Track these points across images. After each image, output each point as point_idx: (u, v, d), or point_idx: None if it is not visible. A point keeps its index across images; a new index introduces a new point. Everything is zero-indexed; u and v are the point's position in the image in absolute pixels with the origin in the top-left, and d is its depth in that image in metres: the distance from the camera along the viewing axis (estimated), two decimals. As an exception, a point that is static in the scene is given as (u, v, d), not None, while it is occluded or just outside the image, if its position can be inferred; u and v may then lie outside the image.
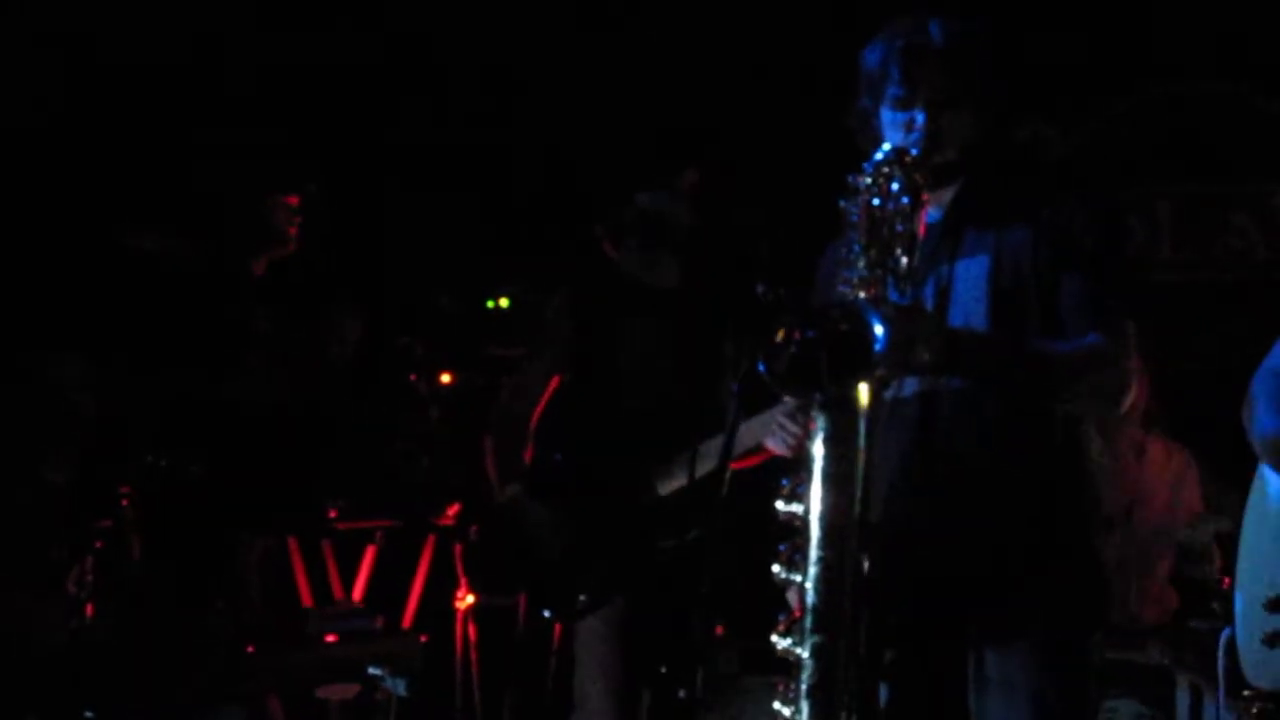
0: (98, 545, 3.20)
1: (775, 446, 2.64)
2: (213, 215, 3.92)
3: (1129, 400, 2.18)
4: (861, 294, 2.02)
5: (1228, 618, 2.76)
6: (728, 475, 2.09)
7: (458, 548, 4.23)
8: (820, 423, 1.95)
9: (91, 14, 4.29)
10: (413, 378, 4.37)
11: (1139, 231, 4.67)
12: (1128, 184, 4.71)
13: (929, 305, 2.16)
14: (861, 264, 2.03)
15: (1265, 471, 2.68)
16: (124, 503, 3.23)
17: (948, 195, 2.21)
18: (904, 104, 2.17)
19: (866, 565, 1.98)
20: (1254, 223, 4.73)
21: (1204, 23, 4.54)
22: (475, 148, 4.70)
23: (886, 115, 2.19)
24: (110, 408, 3.53)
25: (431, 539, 4.33)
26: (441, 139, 4.73)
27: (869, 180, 2.04)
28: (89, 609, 3.16)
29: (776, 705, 2.01)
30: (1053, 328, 2.15)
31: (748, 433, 2.83)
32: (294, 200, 3.93)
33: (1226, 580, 3.04)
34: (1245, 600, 2.65)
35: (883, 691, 2.15)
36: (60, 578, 3.18)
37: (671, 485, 3.24)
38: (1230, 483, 3.45)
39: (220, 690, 3.50)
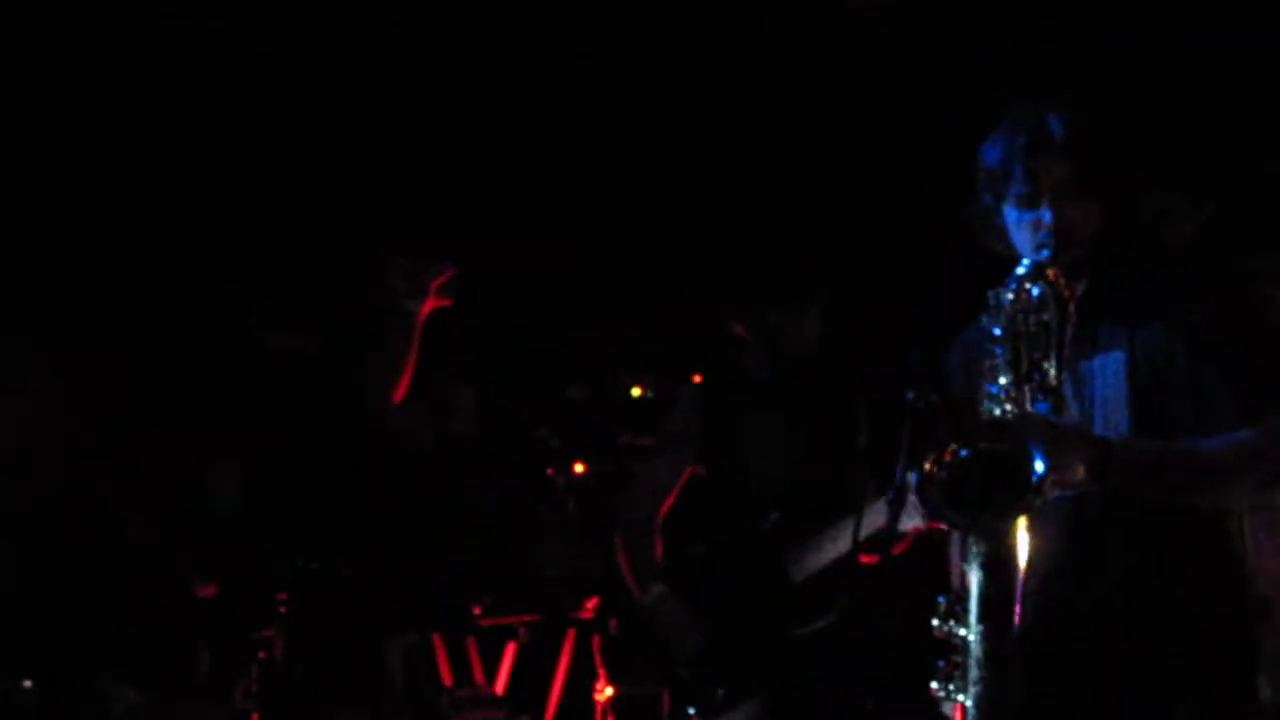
0: (261, 655, 3.25)
1: (913, 521, 2.60)
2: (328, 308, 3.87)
3: None
4: (1009, 406, 2.03)
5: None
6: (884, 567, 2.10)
7: (596, 640, 4.25)
8: (974, 549, 1.95)
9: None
10: (550, 471, 4.41)
11: (1280, 303, 4.53)
12: (1267, 253, 4.57)
13: (1067, 401, 2.13)
14: (1006, 379, 2.03)
15: None
16: (281, 610, 3.28)
17: (1079, 289, 2.18)
18: (1029, 201, 2.14)
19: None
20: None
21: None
22: (611, 236, 4.68)
23: (1012, 214, 2.18)
24: (259, 513, 3.60)
25: (571, 633, 4.37)
26: (579, 229, 4.74)
27: (1011, 296, 2.05)
28: (255, 719, 3.21)
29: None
30: (1204, 420, 2.10)
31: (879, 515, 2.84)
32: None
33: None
34: None
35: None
36: (227, 689, 3.24)
37: (806, 572, 3.25)
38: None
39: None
